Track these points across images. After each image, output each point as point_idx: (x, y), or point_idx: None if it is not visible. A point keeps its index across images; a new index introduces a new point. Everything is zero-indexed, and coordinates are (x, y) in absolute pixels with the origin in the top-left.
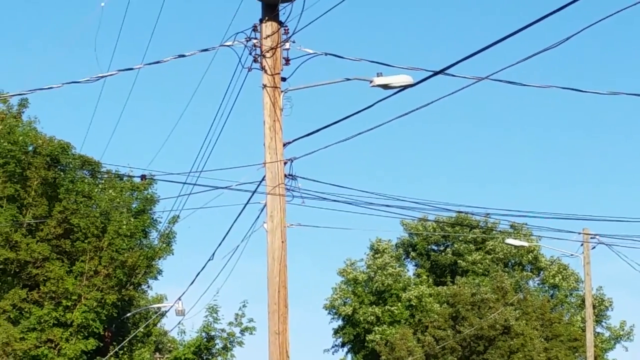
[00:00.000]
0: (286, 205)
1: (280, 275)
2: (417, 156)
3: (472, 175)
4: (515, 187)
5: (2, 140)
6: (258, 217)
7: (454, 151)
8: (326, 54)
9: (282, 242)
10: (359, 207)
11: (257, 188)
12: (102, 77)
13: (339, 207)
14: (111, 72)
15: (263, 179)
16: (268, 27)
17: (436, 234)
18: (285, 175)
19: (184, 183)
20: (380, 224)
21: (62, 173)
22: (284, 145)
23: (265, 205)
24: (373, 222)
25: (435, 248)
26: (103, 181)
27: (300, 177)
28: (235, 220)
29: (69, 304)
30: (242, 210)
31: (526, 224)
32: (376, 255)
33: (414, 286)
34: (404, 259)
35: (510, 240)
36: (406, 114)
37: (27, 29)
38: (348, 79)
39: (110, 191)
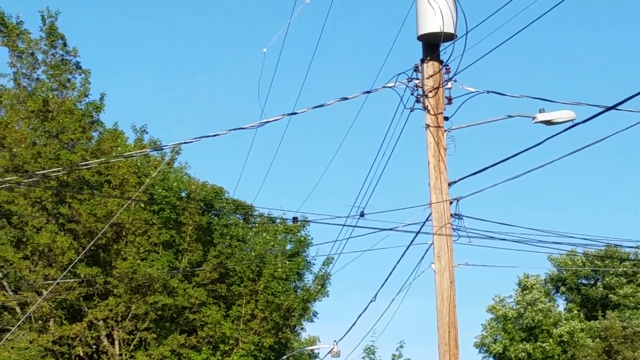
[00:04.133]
0: (453, 245)
1: (450, 315)
2: (565, 188)
3: (620, 206)
4: None
5: (157, 187)
6: (423, 257)
7: (602, 182)
8: (488, 92)
9: (451, 282)
10: (527, 244)
11: (420, 228)
12: (267, 122)
13: (504, 245)
14: (276, 116)
15: (427, 219)
16: (429, 67)
17: (586, 268)
18: (452, 215)
19: (344, 225)
20: (528, 260)
21: (216, 218)
22: (449, 184)
23: (431, 245)
24: (522, 258)
25: (586, 282)
26: (256, 225)
27: (466, 217)
28: (399, 260)
29: (226, 348)
30: (406, 250)
31: None
32: (525, 292)
33: (565, 321)
34: (554, 294)
35: None
36: (573, 152)
37: (181, 76)
38: (510, 116)
39: (264, 234)
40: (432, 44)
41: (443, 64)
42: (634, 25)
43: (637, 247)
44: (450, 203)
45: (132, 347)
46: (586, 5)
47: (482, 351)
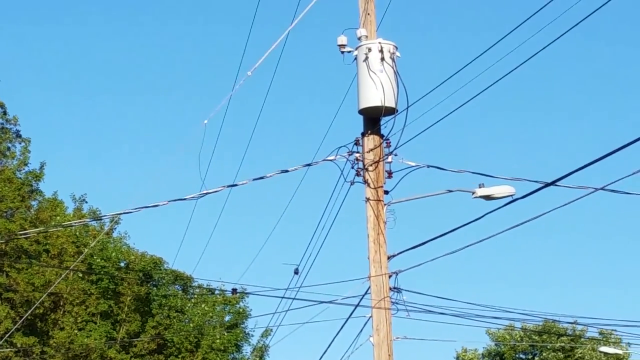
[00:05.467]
0: (392, 319)
1: None
2: (503, 263)
3: (558, 281)
4: (603, 293)
5: (95, 257)
6: (361, 330)
7: (540, 258)
8: (428, 166)
9: (389, 355)
10: (465, 318)
11: (359, 302)
12: (207, 193)
13: (442, 319)
14: (217, 188)
15: (366, 292)
16: (370, 141)
17: (523, 342)
18: (391, 288)
19: (283, 297)
20: (466, 334)
21: (154, 288)
22: (389, 258)
23: (369, 318)
24: (460, 332)
25: (523, 357)
26: (195, 296)
27: (405, 290)
28: (338, 333)
29: None
30: (344, 323)
31: (615, 331)
32: None
33: None
34: None
35: (604, 349)
36: (512, 227)
37: (122, 147)
38: (450, 191)
39: (203, 305)
40: (373, 118)
41: (384, 137)
42: (572, 103)
43: (574, 323)
44: (390, 276)
45: None
46: (526, 81)
47: None
